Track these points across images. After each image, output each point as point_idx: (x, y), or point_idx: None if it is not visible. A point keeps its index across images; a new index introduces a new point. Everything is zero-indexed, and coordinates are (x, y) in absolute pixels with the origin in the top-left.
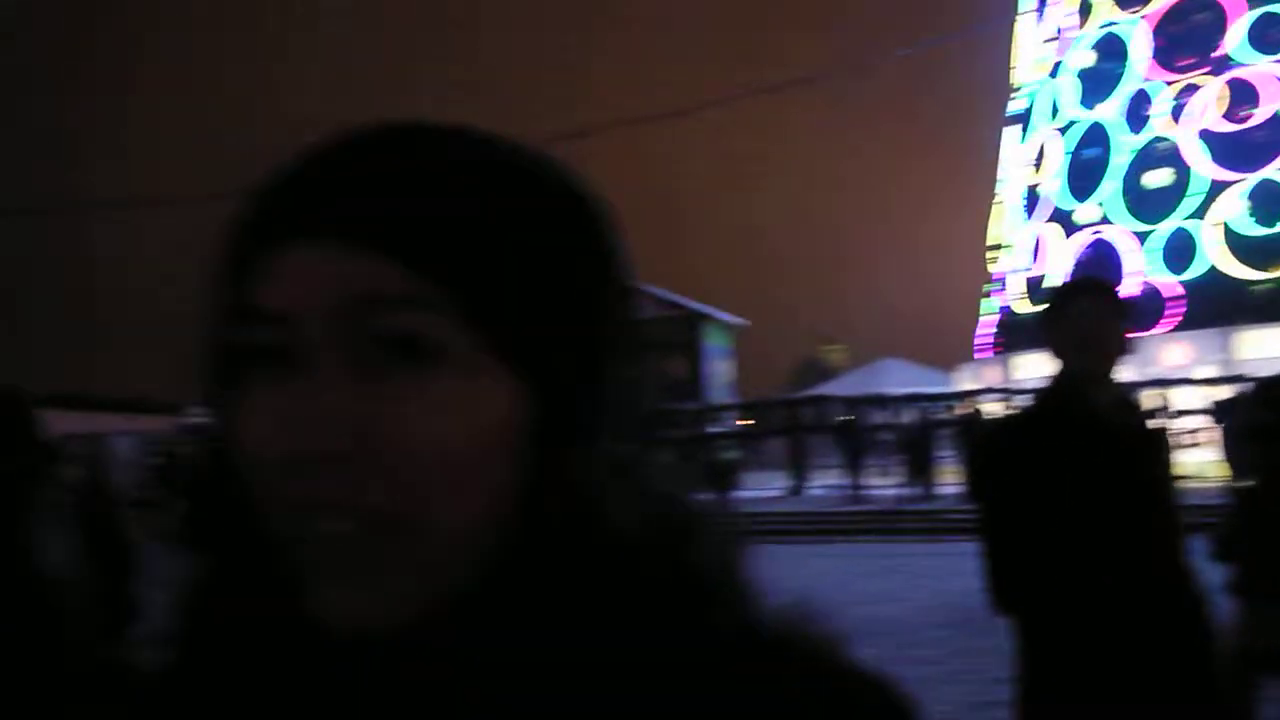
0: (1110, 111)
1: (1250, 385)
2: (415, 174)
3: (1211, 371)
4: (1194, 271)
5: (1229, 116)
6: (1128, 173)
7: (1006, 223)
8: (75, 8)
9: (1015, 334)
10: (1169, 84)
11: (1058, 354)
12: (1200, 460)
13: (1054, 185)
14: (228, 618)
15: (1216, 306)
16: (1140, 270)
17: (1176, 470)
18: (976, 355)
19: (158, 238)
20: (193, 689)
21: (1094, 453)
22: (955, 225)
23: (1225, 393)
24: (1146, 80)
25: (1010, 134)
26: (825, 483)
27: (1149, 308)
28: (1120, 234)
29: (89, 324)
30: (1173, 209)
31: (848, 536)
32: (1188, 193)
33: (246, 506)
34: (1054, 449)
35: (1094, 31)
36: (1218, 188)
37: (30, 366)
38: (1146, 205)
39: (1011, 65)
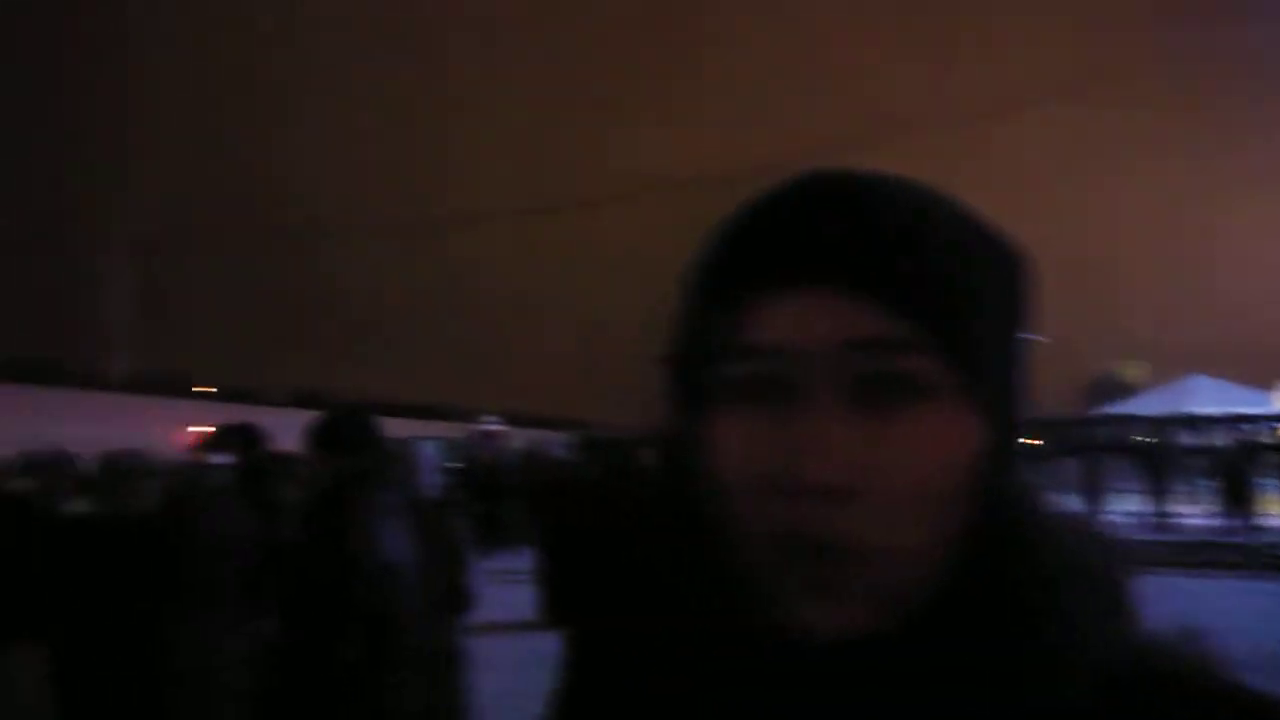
0: None
1: None
2: (899, 227)
3: None
4: None
5: None
6: None
7: None
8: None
9: None
10: None
11: None
12: None
13: None
14: (688, 617)
15: None
16: None
17: None
18: None
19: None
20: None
21: None
22: (1271, 221)
23: None
24: None
25: None
26: (1123, 509)
27: None
28: None
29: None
30: None
31: (1150, 568)
32: None
33: (705, 521)
34: None
35: None
36: None
37: (350, 373)
38: None
39: None
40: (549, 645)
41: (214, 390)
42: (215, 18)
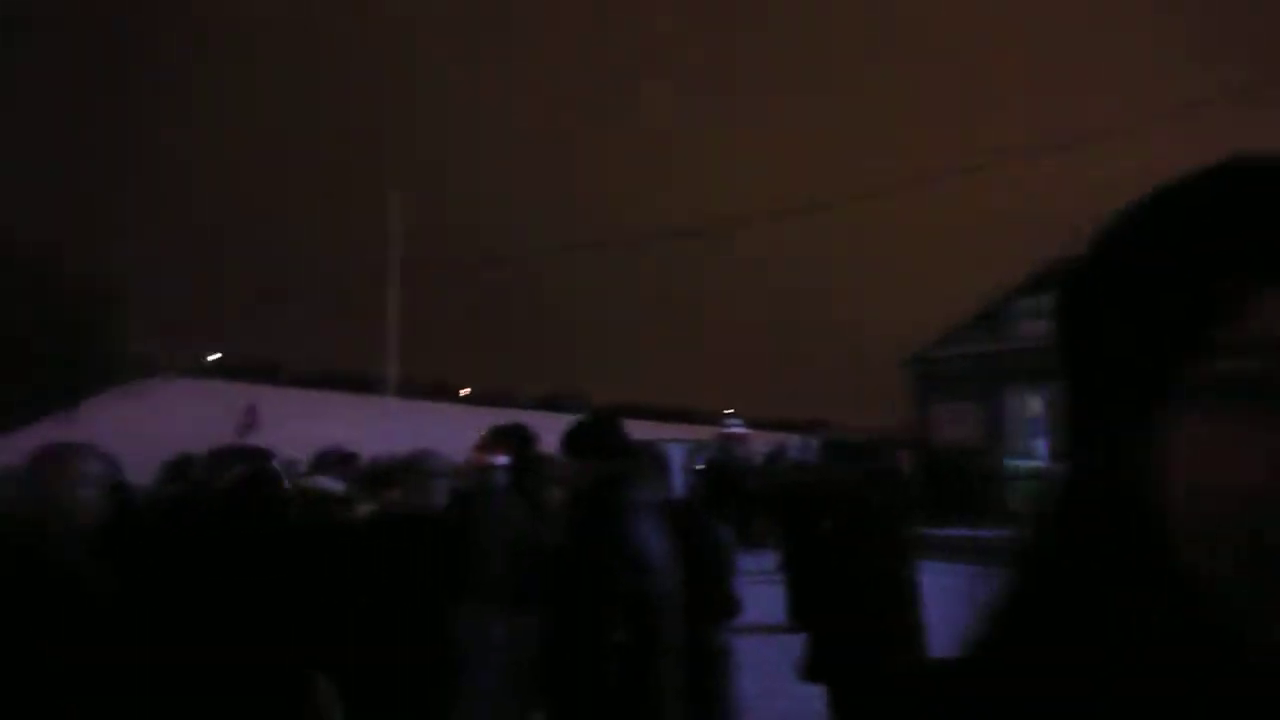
0: None
1: None
2: None
3: None
4: None
5: None
6: None
7: None
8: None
9: None
10: None
11: None
12: None
13: None
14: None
15: None
16: None
17: None
18: None
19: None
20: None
21: None
22: None
23: None
24: None
25: None
26: None
27: None
28: None
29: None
30: None
31: None
32: None
33: (1149, 530)
34: None
35: None
36: None
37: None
38: None
39: None
40: (792, 647)
41: (471, 394)
42: (501, 28)
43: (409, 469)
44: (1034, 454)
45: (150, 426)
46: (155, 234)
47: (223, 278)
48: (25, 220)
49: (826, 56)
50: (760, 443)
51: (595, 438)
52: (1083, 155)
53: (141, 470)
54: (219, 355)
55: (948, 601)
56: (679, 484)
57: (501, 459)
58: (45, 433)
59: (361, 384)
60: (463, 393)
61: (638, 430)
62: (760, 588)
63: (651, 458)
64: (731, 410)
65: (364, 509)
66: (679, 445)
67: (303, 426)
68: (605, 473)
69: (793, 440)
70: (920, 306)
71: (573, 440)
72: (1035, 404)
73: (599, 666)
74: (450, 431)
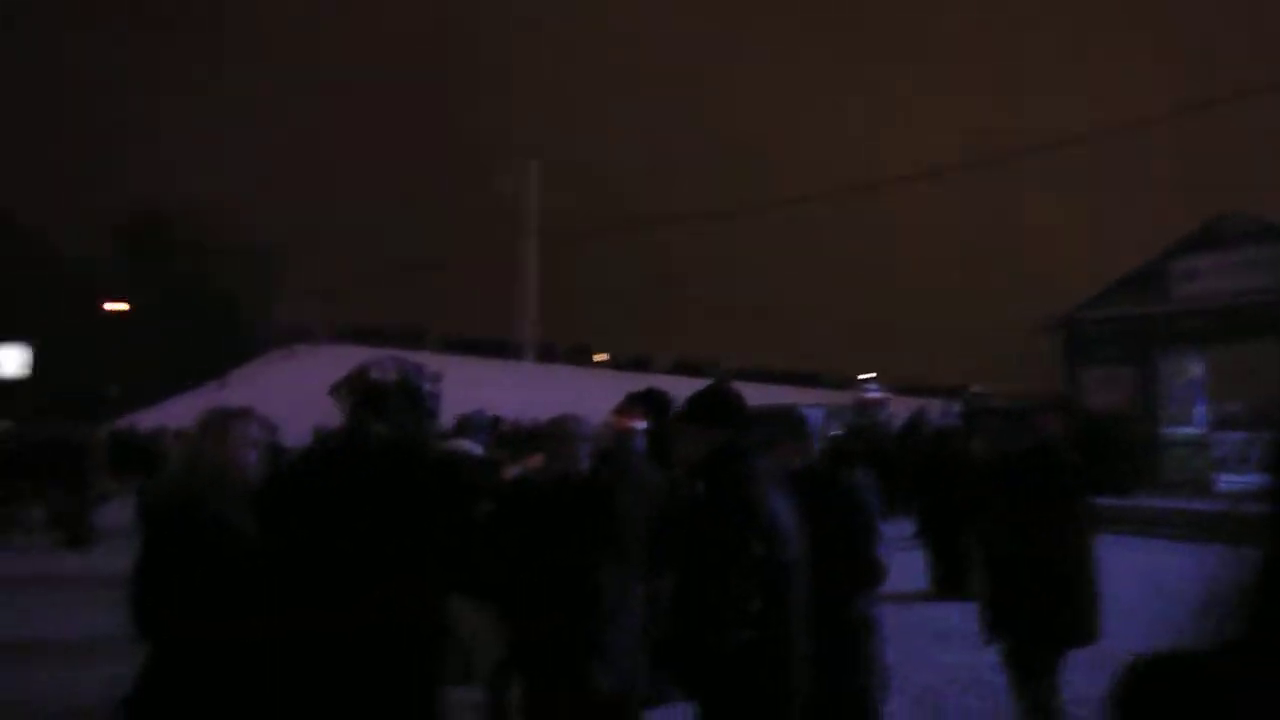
0: None
1: None
2: None
3: None
4: None
5: None
6: None
7: None
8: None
9: None
10: None
11: None
12: None
13: None
14: None
15: None
16: None
17: None
18: None
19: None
20: None
21: None
22: None
23: None
24: None
25: None
26: None
27: None
28: None
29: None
30: None
31: None
32: None
33: None
34: None
35: None
36: None
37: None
38: None
39: None
40: (931, 616)
41: (608, 359)
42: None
43: (551, 433)
44: (1190, 421)
45: (300, 391)
46: (304, 202)
47: (370, 245)
48: (171, 191)
49: (988, 13)
50: (900, 407)
51: (715, 407)
52: (1238, 113)
53: (291, 434)
54: (365, 321)
55: (1108, 572)
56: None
57: (640, 423)
58: (202, 398)
59: (502, 349)
60: (598, 357)
61: (774, 395)
62: (899, 554)
63: (791, 422)
64: (870, 375)
65: (510, 471)
66: (816, 410)
67: (446, 390)
68: (725, 442)
69: (934, 405)
70: (1068, 268)
71: (693, 410)
72: (1194, 368)
73: (728, 634)
74: (588, 396)
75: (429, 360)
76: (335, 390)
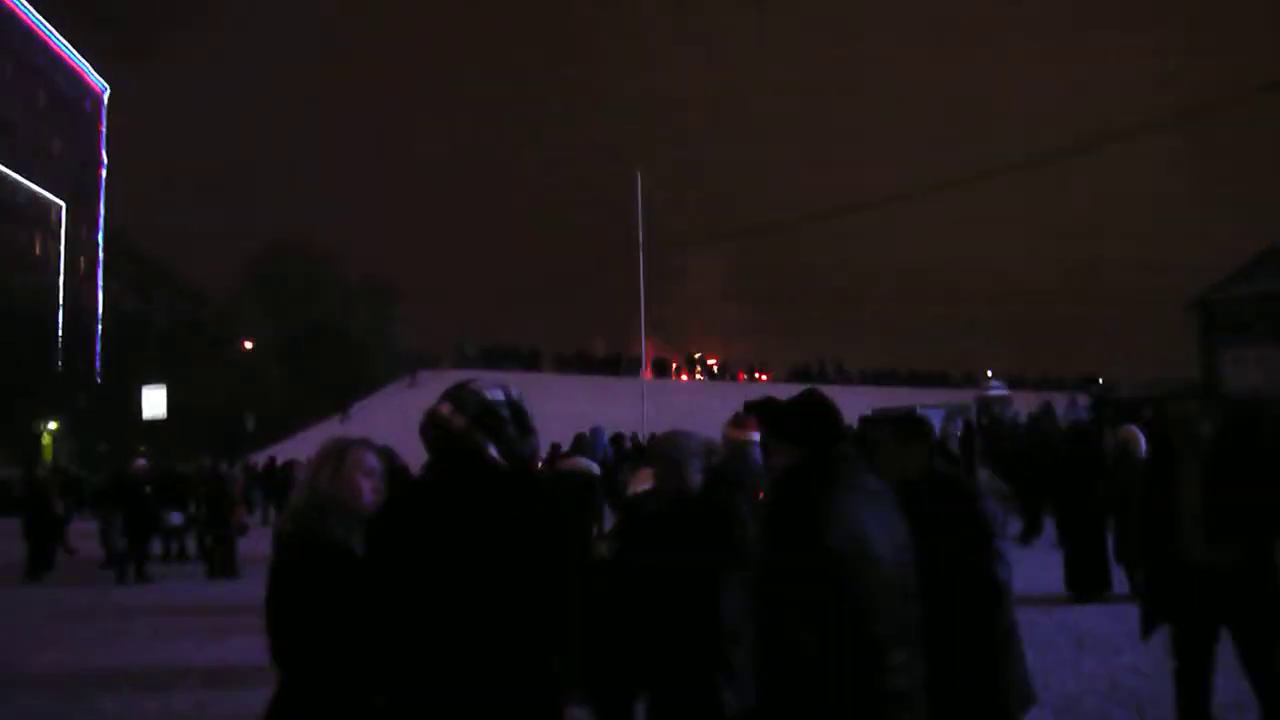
0: None
1: None
2: None
3: None
4: None
5: None
6: None
7: None
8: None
9: None
10: None
11: None
12: None
13: None
14: None
15: None
16: None
17: None
18: None
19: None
20: None
21: None
22: None
23: None
24: None
25: None
26: None
27: None
28: None
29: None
30: None
31: None
32: None
33: None
34: None
35: None
36: None
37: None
38: None
39: None
40: (1071, 620)
41: (724, 366)
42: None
43: (659, 451)
44: None
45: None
46: (418, 231)
47: (485, 270)
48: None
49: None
50: (1025, 403)
51: (793, 419)
52: None
53: (415, 460)
54: (485, 345)
55: None
56: (947, 452)
57: (756, 435)
58: (328, 429)
59: (617, 365)
60: (712, 363)
61: (896, 398)
62: (1034, 556)
63: (904, 427)
64: (991, 372)
65: (630, 488)
66: (937, 411)
67: (564, 408)
68: (804, 457)
69: (1059, 399)
70: (1200, 244)
71: (772, 423)
72: None
73: (805, 662)
74: (707, 405)
75: (545, 381)
76: (436, 417)
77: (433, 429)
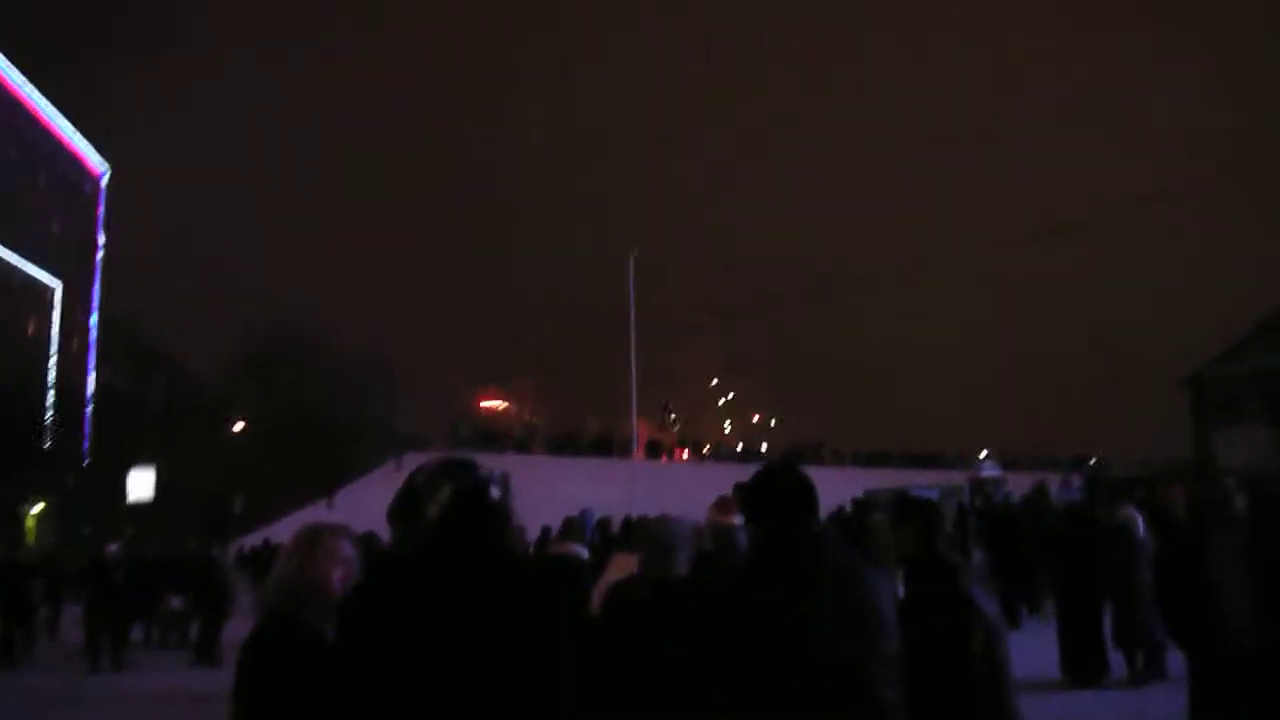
0: None
1: None
2: None
3: None
4: None
5: None
6: None
7: None
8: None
9: None
10: None
11: None
12: None
13: None
14: None
15: None
16: None
17: None
18: None
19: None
20: None
21: None
22: None
23: None
24: None
25: None
26: None
27: None
28: None
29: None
30: None
31: None
32: None
33: None
34: None
35: None
36: None
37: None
38: None
39: None
40: (1066, 705)
41: (715, 449)
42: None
43: (647, 538)
44: None
45: None
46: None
47: (471, 349)
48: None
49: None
50: (1018, 484)
51: (758, 498)
52: None
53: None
54: (471, 428)
55: None
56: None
57: (739, 518)
58: (316, 513)
59: (609, 446)
60: (705, 449)
61: (886, 479)
62: (1024, 640)
63: (899, 509)
64: (986, 453)
65: (605, 576)
66: (930, 491)
67: (552, 491)
68: (780, 536)
69: (1053, 479)
70: (1190, 320)
71: (741, 503)
72: None
73: None
74: (699, 485)
75: (533, 463)
76: (411, 500)
77: (408, 509)
